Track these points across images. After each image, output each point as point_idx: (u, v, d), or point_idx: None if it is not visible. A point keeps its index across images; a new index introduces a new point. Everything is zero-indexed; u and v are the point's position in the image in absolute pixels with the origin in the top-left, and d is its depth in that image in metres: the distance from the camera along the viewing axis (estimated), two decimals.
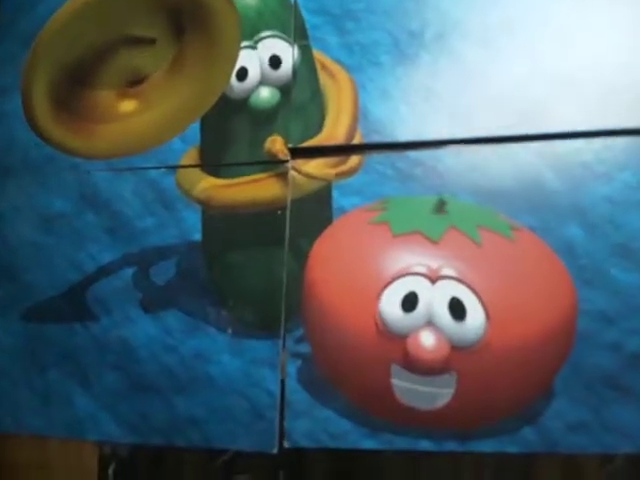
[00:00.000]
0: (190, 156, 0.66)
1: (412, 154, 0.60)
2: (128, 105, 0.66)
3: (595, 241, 0.53)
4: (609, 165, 0.55)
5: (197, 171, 0.64)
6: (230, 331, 0.58)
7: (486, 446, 0.51)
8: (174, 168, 0.65)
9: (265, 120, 0.64)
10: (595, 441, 0.50)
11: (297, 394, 0.54)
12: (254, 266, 0.61)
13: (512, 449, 0.51)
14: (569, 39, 0.58)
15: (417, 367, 0.51)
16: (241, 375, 0.56)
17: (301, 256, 0.58)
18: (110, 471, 0.61)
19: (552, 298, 0.52)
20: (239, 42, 0.63)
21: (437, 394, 0.51)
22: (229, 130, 0.65)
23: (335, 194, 0.61)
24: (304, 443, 0.53)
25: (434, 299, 0.52)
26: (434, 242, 0.54)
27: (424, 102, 0.61)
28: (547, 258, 0.54)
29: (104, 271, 0.62)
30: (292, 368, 0.55)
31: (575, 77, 0.57)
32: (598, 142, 0.56)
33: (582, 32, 0.58)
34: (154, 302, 0.60)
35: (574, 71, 0.57)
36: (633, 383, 0.50)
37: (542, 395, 0.51)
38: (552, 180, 0.56)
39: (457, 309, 0.51)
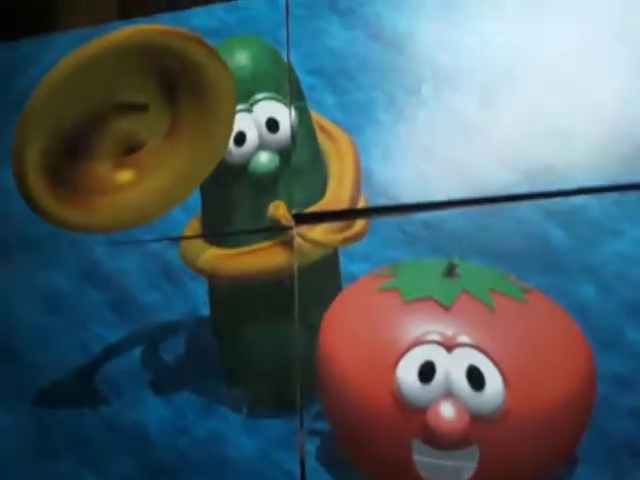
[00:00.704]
0: (192, 226, 0.65)
1: (418, 216, 0.60)
2: (125, 175, 0.65)
3: (608, 300, 0.54)
4: (619, 221, 0.55)
5: (200, 242, 0.64)
6: (245, 411, 0.58)
7: None
8: (176, 240, 0.65)
9: (266, 186, 0.64)
10: None
11: (318, 474, 0.54)
12: (264, 340, 0.60)
13: None
14: (571, 92, 0.59)
15: (438, 440, 0.51)
16: (259, 456, 0.55)
17: (312, 327, 0.57)
18: None
19: (570, 361, 0.52)
20: (235, 104, 0.62)
21: (460, 468, 0.51)
22: (230, 197, 0.65)
23: (342, 260, 0.61)
24: None
25: (451, 368, 0.52)
26: (447, 308, 0.54)
27: (426, 161, 0.61)
28: (561, 320, 0.54)
29: (111, 351, 0.62)
30: (311, 447, 0.55)
31: (579, 131, 0.58)
32: (606, 197, 0.56)
33: (585, 84, 0.58)
34: (165, 383, 0.59)
35: (578, 125, 0.58)
36: None
37: (565, 463, 0.52)
38: (560, 238, 0.56)
39: (476, 378, 0.51)
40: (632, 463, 0.49)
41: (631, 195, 0.55)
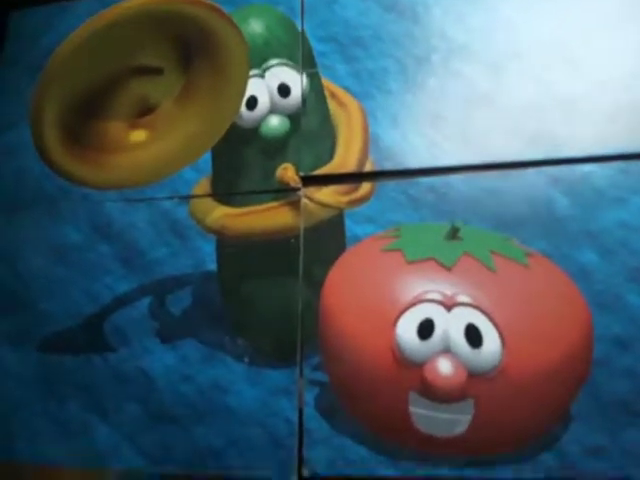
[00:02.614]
0: (202, 186, 0.68)
1: (424, 181, 0.62)
2: (138, 135, 0.67)
3: (610, 266, 0.55)
4: (623, 189, 0.57)
5: (210, 201, 0.66)
6: (247, 360, 0.59)
7: (505, 472, 0.52)
8: (186, 198, 0.68)
9: (276, 149, 0.66)
10: (613, 465, 0.52)
11: (315, 422, 0.56)
12: (269, 295, 0.62)
13: (531, 475, 0.53)
14: (578, 62, 0.60)
15: (435, 394, 0.53)
16: (259, 404, 0.57)
17: (315, 284, 0.59)
18: None
19: (568, 323, 0.54)
20: (248, 70, 0.64)
21: (455, 421, 0.53)
22: (240, 159, 0.66)
23: (348, 222, 0.63)
24: (323, 471, 0.55)
25: (450, 326, 0.54)
26: (448, 268, 0.56)
27: (434, 128, 0.63)
28: (562, 283, 0.56)
29: (120, 302, 0.64)
30: (310, 396, 0.57)
31: (585, 100, 0.59)
32: (611, 166, 0.58)
33: (591, 55, 0.60)
34: (171, 332, 0.62)
35: (584, 94, 0.59)
36: None
37: (560, 420, 0.53)
38: (565, 205, 0.58)
39: (473, 336, 0.53)
40: (626, 421, 0.51)
41: (636, 164, 0.57)
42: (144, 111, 0.67)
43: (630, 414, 0.51)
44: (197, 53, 0.65)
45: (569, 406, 0.53)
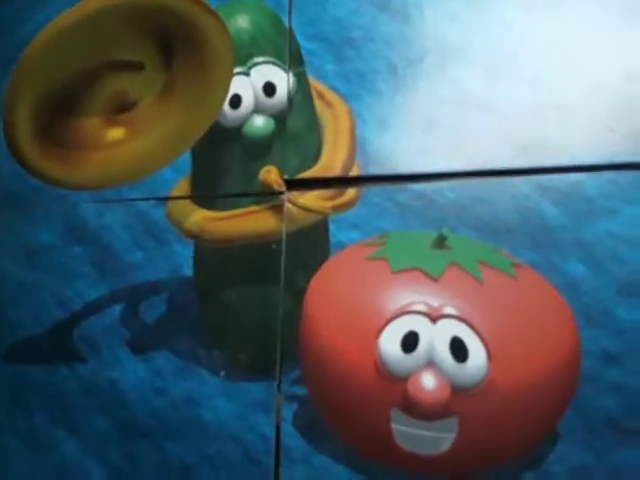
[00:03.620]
0: (181, 187, 0.66)
1: (412, 187, 0.61)
2: (116, 133, 0.66)
3: (599, 278, 0.54)
4: (613, 199, 0.56)
5: (188, 203, 0.64)
6: (223, 374, 0.58)
7: None
8: (164, 200, 0.66)
9: (259, 150, 0.64)
10: None
11: (293, 439, 0.55)
12: (248, 304, 0.61)
13: None
14: (573, 69, 0.59)
15: (418, 410, 0.51)
16: (235, 420, 0.56)
17: (297, 293, 0.58)
18: None
19: (555, 337, 0.53)
20: (232, 67, 0.63)
21: (439, 439, 0.51)
22: (222, 160, 0.65)
23: (332, 228, 0.61)
24: None
25: (435, 339, 0.52)
26: (434, 279, 0.55)
27: (424, 133, 0.62)
28: (549, 296, 0.55)
29: (91, 308, 0.62)
30: (288, 412, 0.55)
31: (579, 108, 0.59)
32: (602, 176, 0.57)
33: (586, 62, 0.59)
34: (143, 342, 0.60)
35: (578, 102, 0.58)
36: (637, 425, 0.50)
37: (546, 439, 0.52)
38: (554, 215, 0.57)
39: (458, 349, 0.52)
40: (615, 440, 0.50)
41: (627, 174, 0.56)
42: (123, 108, 0.65)
43: (618, 432, 0.51)
44: (180, 48, 0.63)
45: (556, 423, 0.52)
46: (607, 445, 0.50)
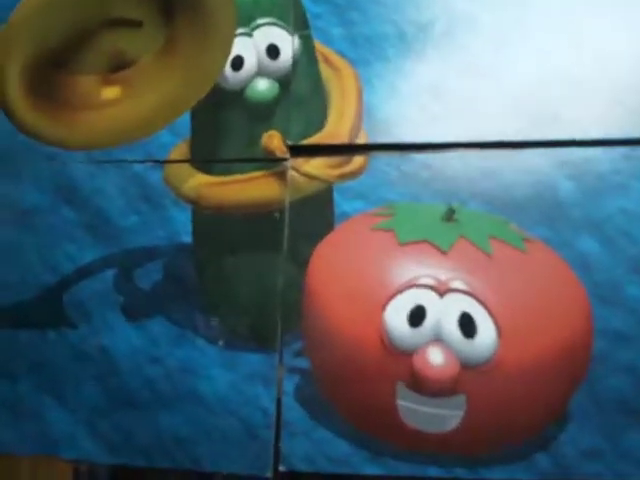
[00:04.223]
0: (179, 150, 0.62)
1: (420, 157, 0.57)
2: (111, 91, 0.62)
3: (610, 255, 0.52)
4: (626, 175, 0.54)
5: (187, 167, 0.60)
6: (221, 343, 0.55)
7: (497, 473, 0.49)
8: (161, 163, 0.62)
9: (262, 114, 0.60)
10: (610, 469, 0.49)
11: (294, 413, 0.52)
12: (249, 272, 0.58)
13: (524, 476, 0.49)
14: (585, 41, 0.56)
15: (424, 387, 0.49)
16: (233, 391, 0.53)
17: (300, 263, 0.55)
18: None
19: (567, 314, 0.51)
20: (234, 27, 0.59)
21: (445, 416, 0.49)
22: (223, 123, 0.61)
23: (337, 197, 0.58)
24: (301, 467, 0.51)
25: (443, 314, 0.50)
26: (443, 252, 0.52)
27: (433, 101, 0.58)
28: (561, 271, 0.52)
29: (82, 273, 0.58)
30: (289, 385, 0.52)
31: (592, 81, 0.56)
32: (616, 151, 0.54)
33: (598, 34, 0.56)
34: (137, 308, 0.56)
35: (591, 74, 0.56)
36: None
37: (556, 419, 0.50)
38: (567, 190, 0.54)
39: (467, 325, 0.49)
40: (625, 423, 0.48)
41: (638, 150, 0.53)
42: (119, 66, 0.61)
43: (630, 414, 0.49)
44: (180, 6, 0.59)
45: (567, 404, 0.50)
46: (618, 427, 0.48)
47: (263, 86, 0.61)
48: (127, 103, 0.61)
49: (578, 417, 0.49)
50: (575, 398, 0.50)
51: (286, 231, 0.57)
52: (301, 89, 0.62)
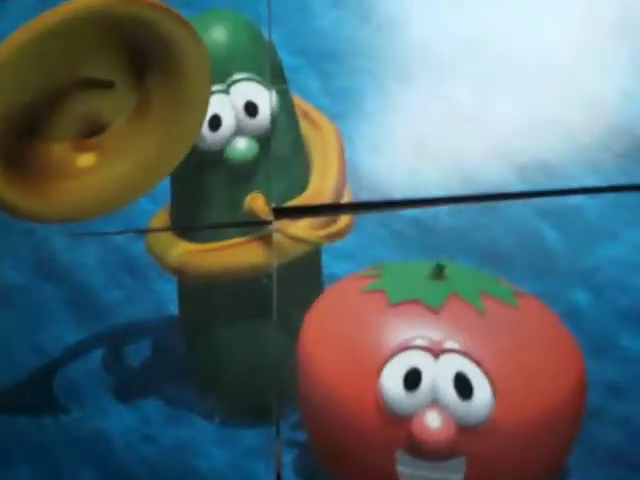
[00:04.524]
0: (160, 218, 0.68)
1: (407, 213, 0.63)
2: (86, 159, 0.65)
3: (602, 306, 0.58)
4: (615, 223, 0.60)
5: (170, 235, 0.65)
6: (216, 419, 0.60)
7: None
8: (142, 232, 0.67)
9: (243, 175, 0.65)
10: None
11: None
12: (239, 342, 0.63)
13: None
14: (571, 86, 0.62)
15: (423, 451, 0.54)
16: (231, 469, 0.58)
17: (291, 329, 0.60)
18: None
19: (561, 370, 0.57)
20: (210, 85, 0.64)
21: None
22: (203, 187, 0.66)
23: (325, 259, 0.64)
24: None
25: (438, 376, 0.55)
26: (434, 311, 0.58)
27: (417, 155, 0.65)
28: (554, 326, 0.58)
29: (70, 354, 0.64)
30: (288, 458, 0.58)
31: (578, 127, 0.62)
32: (604, 198, 0.60)
33: (585, 78, 0.62)
34: (129, 389, 0.62)
35: (576, 120, 0.62)
36: None
37: (556, 476, 0.56)
38: (555, 240, 0.60)
39: (463, 386, 0.55)
40: (623, 476, 0.54)
41: (629, 197, 0.59)
42: (93, 131, 0.65)
43: (628, 467, 0.54)
44: (153, 64, 0.63)
45: (565, 459, 0.56)
46: None
47: (242, 146, 0.65)
48: (103, 171, 0.65)
49: (576, 472, 0.56)
50: (573, 452, 0.56)
51: (275, 297, 0.63)
52: (281, 148, 0.67)
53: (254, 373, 0.62)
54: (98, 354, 0.65)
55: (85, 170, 0.64)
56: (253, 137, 0.65)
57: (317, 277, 0.66)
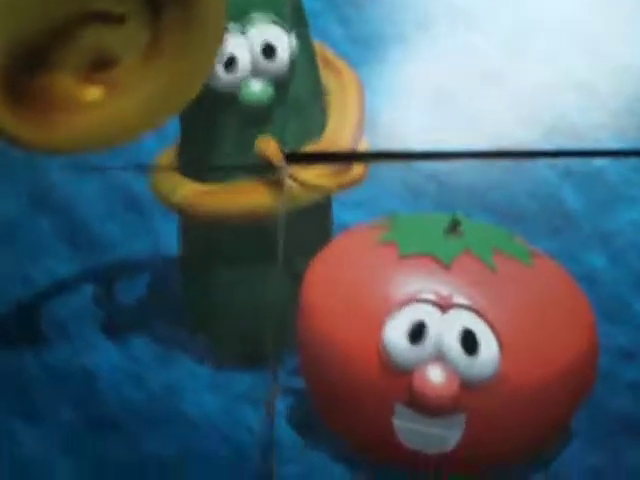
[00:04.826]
0: (167, 157, 0.72)
1: (424, 166, 0.68)
2: (94, 92, 0.69)
3: (618, 270, 0.62)
4: (636, 187, 0.64)
5: (176, 175, 0.69)
6: (210, 362, 0.63)
7: None
8: (148, 170, 0.71)
9: (257, 118, 0.68)
10: None
11: (287, 436, 0.61)
12: (240, 286, 0.67)
13: None
14: (598, 49, 0.67)
15: (424, 405, 0.58)
16: (222, 413, 0.62)
17: (296, 276, 0.64)
18: None
19: (572, 332, 0.61)
20: (225, 22, 0.66)
21: (444, 437, 0.59)
22: (214, 128, 0.70)
23: (335, 208, 0.68)
24: None
25: (444, 330, 0.60)
26: (446, 266, 0.62)
27: (437, 106, 0.69)
28: (567, 287, 0.63)
29: (60, 287, 0.68)
30: (282, 406, 0.62)
31: (602, 89, 0.66)
32: (625, 162, 0.64)
33: (612, 43, 0.67)
34: (119, 326, 0.66)
35: (601, 82, 0.66)
36: None
37: (558, 437, 0.60)
38: (575, 202, 0.65)
39: (469, 342, 0.59)
40: (628, 441, 0.58)
41: None
42: (102, 65, 0.69)
43: (633, 433, 0.58)
44: (167, 1, 0.67)
45: (569, 422, 0.60)
46: (621, 446, 0.58)
47: (258, 88, 0.68)
48: (110, 105, 0.68)
49: (580, 435, 0.60)
50: (578, 416, 0.60)
51: (281, 243, 0.68)
52: (299, 92, 0.70)
53: (253, 316, 0.66)
54: (89, 290, 0.69)
55: (91, 103, 0.67)
56: (269, 80, 0.69)
57: (326, 225, 0.70)
